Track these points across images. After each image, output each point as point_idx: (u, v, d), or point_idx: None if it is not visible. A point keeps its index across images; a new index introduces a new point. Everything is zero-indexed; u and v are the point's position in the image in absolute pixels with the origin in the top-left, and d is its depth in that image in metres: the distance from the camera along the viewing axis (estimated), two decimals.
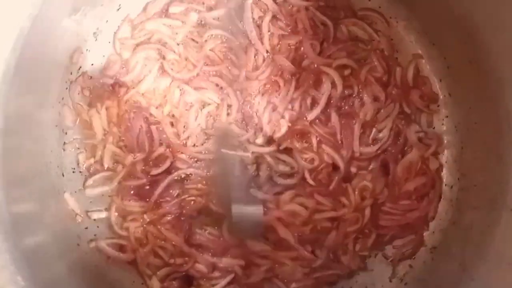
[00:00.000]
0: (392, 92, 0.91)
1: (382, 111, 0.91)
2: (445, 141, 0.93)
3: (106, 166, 0.88)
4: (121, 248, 0.88)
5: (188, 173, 0.89)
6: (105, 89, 0.88)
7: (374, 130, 0.91)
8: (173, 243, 0.87)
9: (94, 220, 0.88)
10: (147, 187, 0.88)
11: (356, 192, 0.89)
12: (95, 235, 0.88)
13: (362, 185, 0.89)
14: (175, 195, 0.88)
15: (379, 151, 0.90)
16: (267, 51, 0.90)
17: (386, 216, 0.90)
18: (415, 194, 0.91)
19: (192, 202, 0.88)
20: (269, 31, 0.90)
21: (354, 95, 0.91)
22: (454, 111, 0.92)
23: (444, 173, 0.93)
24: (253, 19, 0.90)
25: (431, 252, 0.90)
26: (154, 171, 0.88)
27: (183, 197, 0.88)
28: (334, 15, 0.92)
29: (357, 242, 0.90)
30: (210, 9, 0.90)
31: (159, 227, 0.87)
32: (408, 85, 0.93)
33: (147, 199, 0.87)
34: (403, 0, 0.92)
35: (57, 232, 0.82)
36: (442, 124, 0.94)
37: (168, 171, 0.88)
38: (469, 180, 0.88)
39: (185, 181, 0.89)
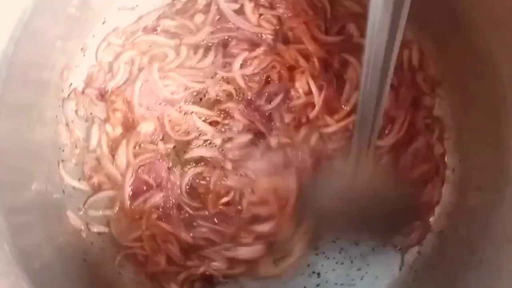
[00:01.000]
0: (405, 75, 0.91)
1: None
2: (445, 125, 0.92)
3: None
4: (130, 260, 0.88)
5: None
6: (94, 101, 0.88)
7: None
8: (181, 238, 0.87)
9: (98, 234, 0.89)
10: None
11: None
12: (101, 249, 0.88)
13: None
14: None
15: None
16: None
17: None
18: (420, 180, 0.90)
19: None
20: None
21: None
22: (449, 94, 0.91)
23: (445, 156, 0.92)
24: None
25: (439, 237, 0.90)
26: None
27: None
28: None
29: None
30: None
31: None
32: (414, 67, 0.92)
33: None
34: None
35: (62, 250, 0.82)
36: (439, 108, 0.93)
37: None
38: (470, 162, 0.88)
39: None
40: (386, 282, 0.91)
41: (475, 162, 0.86)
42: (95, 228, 0.88)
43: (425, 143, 0.91)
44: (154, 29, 0.91)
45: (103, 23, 0.89)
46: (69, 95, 0.88)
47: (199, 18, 0.91)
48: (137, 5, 0.91)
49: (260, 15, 0.91)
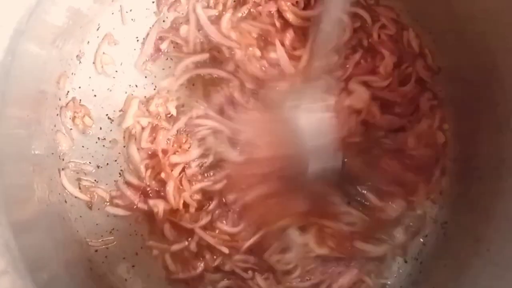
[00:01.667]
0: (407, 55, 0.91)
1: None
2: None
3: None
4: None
5: None
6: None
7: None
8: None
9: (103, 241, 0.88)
10: None
11: None
12: (106, 257, 0.88)
13: None
14: None
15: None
16: None
17: None
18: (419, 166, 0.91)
19: None
20: None
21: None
22: (447, 84, 0.91)
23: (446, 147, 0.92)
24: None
25: (443, 228, 0.90)
26: None
27: None
28: None
29: None
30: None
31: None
32: (415, 52, 0.92)
33: None
34: None
35: (68, 259, 0.81)
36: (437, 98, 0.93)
37: None
38: (471, 152, 0.88)
39: None
40: (392, 274, 0.91)
41: (476, 152, 0.86)
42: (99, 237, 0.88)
43: (428, 127, 0.91)
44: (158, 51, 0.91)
45: (97, 29, 0.89)
46: (67, 103, 0.87)
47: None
48: (130, 10, 0.90)
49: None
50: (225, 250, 0.86)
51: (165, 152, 0.87)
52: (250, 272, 0.87)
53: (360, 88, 0.89)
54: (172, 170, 0.86)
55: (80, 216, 0.87)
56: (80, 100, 0.88)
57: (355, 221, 0.88)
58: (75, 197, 0.87)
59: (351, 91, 0.89)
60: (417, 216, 0.91)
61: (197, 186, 0.87)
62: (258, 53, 0.89)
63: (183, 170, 0.87)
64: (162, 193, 0.87)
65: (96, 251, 0.88)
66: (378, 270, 0.90)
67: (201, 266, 0.87)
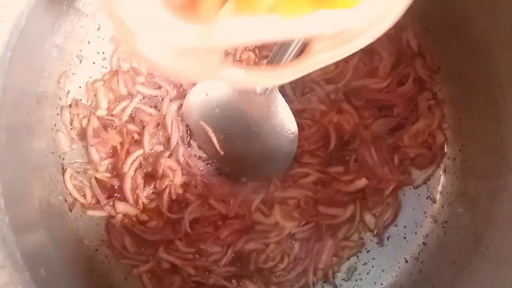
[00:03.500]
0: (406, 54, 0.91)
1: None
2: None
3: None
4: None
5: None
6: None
7: None
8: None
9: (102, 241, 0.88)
10: None
11: None
12: (106, 256, 0.88)
13: None
14: None
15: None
16: None
17: None
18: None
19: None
20: None
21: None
22: (446, 83, 0.91)
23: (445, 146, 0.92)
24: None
25: (443, 227, 0.90)
26: None
27: None
28: None
29: None
30: None
31: None
32: (413, 52, 0.92)
33: None
34: None
35: (68, 258, 0.81)
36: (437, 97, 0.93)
37: None
38: (470, 150, 0.88)
39: None
40: (392, 275, 0.91)
41: (475, 150, 0.87)
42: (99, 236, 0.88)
43: (426, 126, 0.91)
44: None
45: (98, 29, 0.89)
46: (70, 105, 0.88)
47: None
48: None
49: None
50: (191, 272, 0.86)
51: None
52: (234, 281, 0.88)
53: (353, 112, 0.90)
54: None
55: (80, 216, 0.88)
56: (81, 99, 0.89)
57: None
58: (75, 196, 0.88)
59: (344, 110, 0.90)
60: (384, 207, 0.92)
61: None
62: None
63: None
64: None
65: (96, 250, 0.88)
66: (352, 232, 0.91)
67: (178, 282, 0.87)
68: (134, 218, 0.87)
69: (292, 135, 0.86)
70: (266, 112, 0.85)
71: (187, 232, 0.86)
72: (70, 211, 0.87)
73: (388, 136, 0.91)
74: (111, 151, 0.89)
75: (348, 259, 0.92)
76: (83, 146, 0.89)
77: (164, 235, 0.87)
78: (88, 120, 0.88)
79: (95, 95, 0.89)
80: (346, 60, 0.90)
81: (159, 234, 0.87)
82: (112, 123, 0.89)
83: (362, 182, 0.89)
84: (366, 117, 0.91)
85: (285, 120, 0.85)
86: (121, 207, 0.87)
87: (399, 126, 0.91)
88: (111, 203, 0.87)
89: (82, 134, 0.89)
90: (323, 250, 0.89)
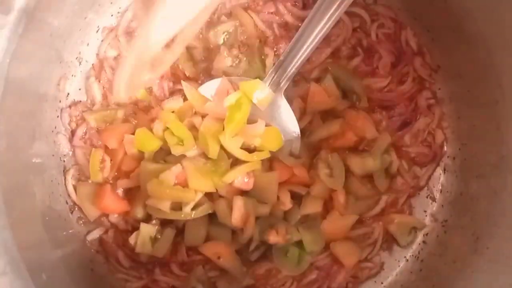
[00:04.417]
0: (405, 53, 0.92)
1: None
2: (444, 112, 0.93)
3: None
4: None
5: None
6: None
7: None
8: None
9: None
10: None
11: None
12: (106, 257, 0.88)
13: None
14: None
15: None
16: None
17: None
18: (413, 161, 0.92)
19: None
20: None
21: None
22: (446, 82, 0.91)
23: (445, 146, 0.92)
24: None
25: (443, 226, 0.90)
26: None
27: None
28: None
29: None
30: None
31: None
32: (413, 51, 0.92)
33: None
34: None
35: (69, 259, 0.82)
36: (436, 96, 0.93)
37: None
38: (470, 149, 0.88)
39: None
40: (392, 273, 0.91)
41: (475, 150, 0.87)
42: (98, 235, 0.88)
43: (426, 125, 0.91)
44: None
45: (97, 31, 0.89)
46: (71, 106, 0.88)
47: None
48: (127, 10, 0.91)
49: None
50: None
51: None
52: None
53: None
54: None
55: (81, 217, 0.88)
56: (80, 101, 0.89)
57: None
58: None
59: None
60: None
61: None
62: None
63: None
64: None
65: (97, 252, 0.88)
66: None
67: None
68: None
69: (295, 134, 0.86)
70: (271, 117, 0.86)
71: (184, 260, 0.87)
72: (71, 213, 0.87)
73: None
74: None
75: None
76: None
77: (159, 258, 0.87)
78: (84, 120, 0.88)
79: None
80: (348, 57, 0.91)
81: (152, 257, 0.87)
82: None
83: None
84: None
85: (288, 123, 0.86)
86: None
87: (403, 126, 0.91)
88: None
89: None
90: (338, 275, 0.90)
